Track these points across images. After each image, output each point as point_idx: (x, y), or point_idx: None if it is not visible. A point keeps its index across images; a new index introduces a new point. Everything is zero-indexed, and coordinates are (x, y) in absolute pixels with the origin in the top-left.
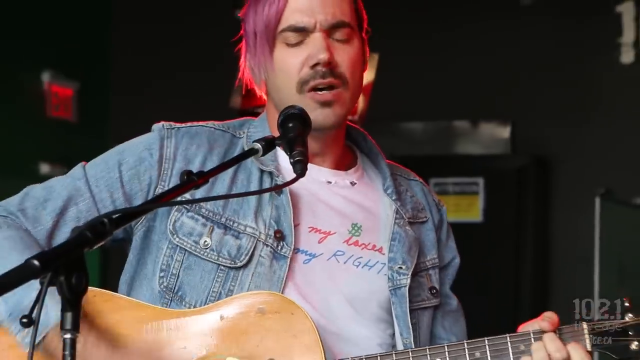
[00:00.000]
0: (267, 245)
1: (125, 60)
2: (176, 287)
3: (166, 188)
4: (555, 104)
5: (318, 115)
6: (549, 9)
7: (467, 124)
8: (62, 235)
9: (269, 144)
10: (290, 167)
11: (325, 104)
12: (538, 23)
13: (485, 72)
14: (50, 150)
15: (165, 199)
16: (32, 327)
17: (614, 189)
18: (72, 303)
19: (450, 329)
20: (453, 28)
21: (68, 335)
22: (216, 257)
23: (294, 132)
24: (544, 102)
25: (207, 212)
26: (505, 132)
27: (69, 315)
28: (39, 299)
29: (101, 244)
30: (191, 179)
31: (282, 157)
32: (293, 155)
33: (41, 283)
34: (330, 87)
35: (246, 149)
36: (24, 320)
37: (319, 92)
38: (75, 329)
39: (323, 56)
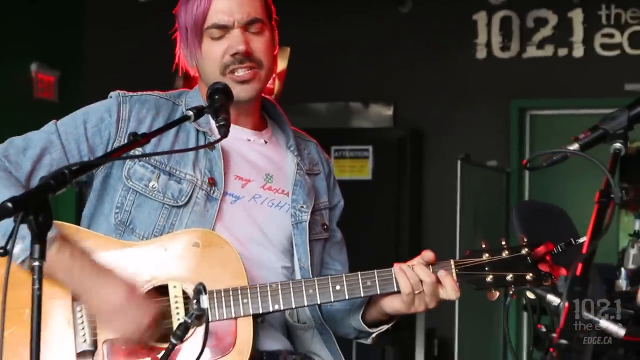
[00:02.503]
0: (202, 190)
1: (94, 54)
2: (128, 221)
3: (122, 143)
4: (427, 89)
5: (240, 92)
6: (422, 16)
7: (359, 105)
8: (38, 178)
9: (199, 112)
10: (213, 128)
11: (244, 81)
12: (414, 26)
13: (374, 64)
14: (37, 124)
15: (116, 154)
16: (8, 257)
17: (472, 154)
18: (40, 237)
19: (335, 256)
20: (348, 29)
21: (36, 263)
22: (162, 197)
23: (219, 102)
24: (419, 88)
25: (155, 162)
26: (389, 110)
27: (36, 247)
28: (12, 234)
29: (63, 190)
30: (136, 139)
31: (213, 121)
32: (218, 120)
33: (14, 221)
34: (248, 68)
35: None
36: (1, 250)
37: (236, 74)
38: (42, 257)
39: (241, 48)
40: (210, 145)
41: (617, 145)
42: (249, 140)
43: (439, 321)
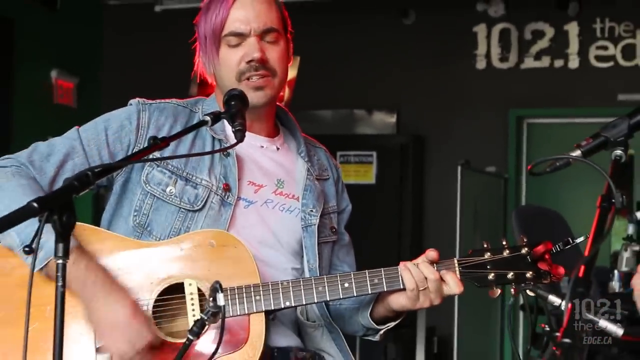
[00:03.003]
0: (217, 195)
1: (111, 62)
2: (146, 224)
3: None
4: (429, 98)
5: (253, 97)
6: (425, 27)
7: (364, 112)
8: (61, 183)
9: (216, 117)
10: (229, 135)
11: (258, 88)
12: (417, 37)
13: (378, 73)
14: (57, 128)
15: (136, 157)
16: (33, 254)
17: (471, 160)
18: (63, 236)
19: (343, 258)
20: (354, 39)
21: (60, 261)
22: (178, 202)
23: (235, 108)
24: (421, 96)
25: (172, 168)
26: (392, 118)
27: (60, 245)
28: (38, 233)
29: (86, 191)
30: (156, 142)
31: (229, 128)
32: (234, 125)
33: (39, 220)
34: (262, 76)
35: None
36: (26, 249)
37: (251, 80)
38: (65, 255)
39: (256, 55)
40: (226, 150)
41: (618, 152)
42: (262, 147)
43: (439, 320)
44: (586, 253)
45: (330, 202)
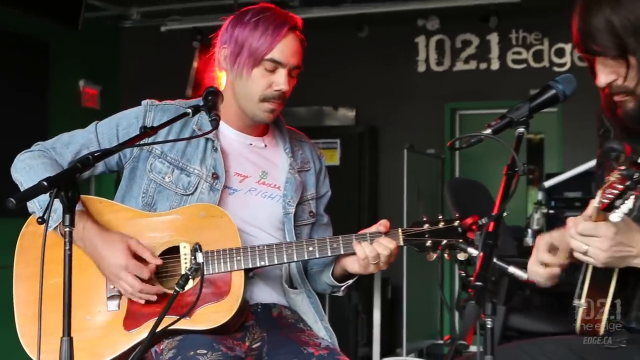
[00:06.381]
0: (207, 182)
1: (129, 72)
2: (152, 203)
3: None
4: (381, 95)
5: (265, 117)
6: (376, 39)
7: (330, 108)
8: None
9: (196, 109)
10: (222, 133)
11: (272, 111)
12: (370, 47)
13: (341, 77)
14: (84, 126)
15: (130, 143)
16: (45, 224)
17: (415, 144)
18: (70, 208)
19: (320, 235)
20: (321, 50)
21: (67, 229)
22: (174, 188)
23: (212, 102)
24: (375, 94)
25: (170, 159)
26: (352, 112)
27: (67, 216)
28: (48, 206)
29: (88, 171)
30: (146, 130)
31: (221, 131)
32: (211, 116)
33: (50, 196)
34: (278, 104)
35: (196, 120)
36: (39, 219)
37: (269, 103)
38: (72, 224)
39: (284, 87)
40: (203, 135)
41: (521, 129)
42: (251, 144)
43: (392, 272)
44: (495, 212)
45: (309, 190)
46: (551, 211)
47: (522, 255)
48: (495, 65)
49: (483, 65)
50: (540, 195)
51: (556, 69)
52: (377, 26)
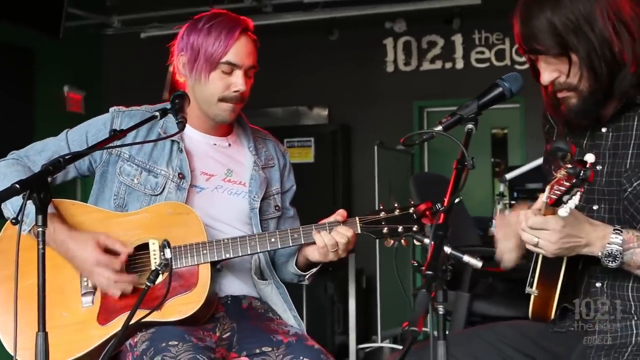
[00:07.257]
0: (174, 182)
1: (111, 78)
2: (124, 205)
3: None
4: (352, 95)
5: (226, 117)
6: (346, 42)
7: (305, 108)
8: None
9: (164, 112)
10: (187, 135)
11: (232, 110)
12: (341, 49)
13: (314, 79)
14: None
15: (99, 146)
16: (19, 224)
17: (385, 141)
18: (42, 209)
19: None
20: (295, 53)
21: (40, 229)
22: (143, 189)
23: (179, 105)
24: (346, 94)
25: (138, 162)
26: (325, 111)
27: (40, 217)
28: (21, 208)
29: (60, 175)
30: (115, 133)
31: (185, 134)
32: (177, 118)
33: (23, 197)
34: (237, 103)
35: (161, 124)
36: (13, 220)
37: (229, 103)
38: (44, 224)
39: (242, 88)
40: (169, 137)
41: (470, 126)
42: (215, 144)
43: (366, 263)
44: (445, 204)
45: (274, 185)
46: (513, 202)
47: (486, 245)
48: (459, 64)
49: (448, 65)
50: (502, 187)
51: (518, 67)
52: (347, 29)
